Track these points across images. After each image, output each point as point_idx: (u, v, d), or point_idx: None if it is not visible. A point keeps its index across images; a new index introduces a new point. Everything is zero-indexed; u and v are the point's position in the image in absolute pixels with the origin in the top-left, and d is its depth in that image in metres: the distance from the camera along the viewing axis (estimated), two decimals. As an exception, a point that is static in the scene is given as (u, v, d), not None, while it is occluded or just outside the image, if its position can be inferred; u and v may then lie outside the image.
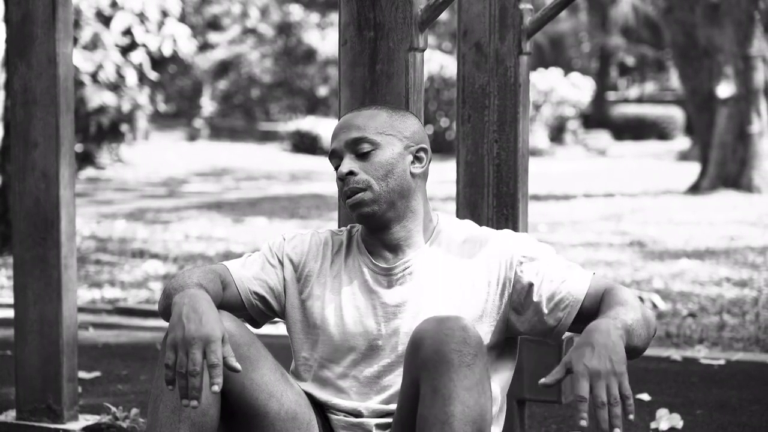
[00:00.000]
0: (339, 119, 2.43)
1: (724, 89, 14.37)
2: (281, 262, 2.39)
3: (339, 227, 2.66)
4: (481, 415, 2.06)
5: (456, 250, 2.35)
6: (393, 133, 2.32)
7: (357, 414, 2.31)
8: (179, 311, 2.08)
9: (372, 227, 2.34)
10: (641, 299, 6.37)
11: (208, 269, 2.32)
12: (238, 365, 2.06)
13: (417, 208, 2.35)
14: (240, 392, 2.22)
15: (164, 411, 2.16)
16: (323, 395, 2.35)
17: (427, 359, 2.07)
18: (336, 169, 2.34)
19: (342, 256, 2.39)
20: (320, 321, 2.35)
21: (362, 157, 2.30)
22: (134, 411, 3.62)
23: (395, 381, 2.31)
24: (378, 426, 2.30)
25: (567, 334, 3.15)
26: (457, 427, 2.04)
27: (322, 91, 26.71)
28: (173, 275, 2.30)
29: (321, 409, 2.36)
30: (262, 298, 2.37)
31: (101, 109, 14.91)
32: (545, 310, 2.29)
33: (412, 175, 2.33)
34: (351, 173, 2.30)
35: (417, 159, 2.35)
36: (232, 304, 2.36)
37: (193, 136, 25.24)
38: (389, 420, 2.30)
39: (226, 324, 2.20)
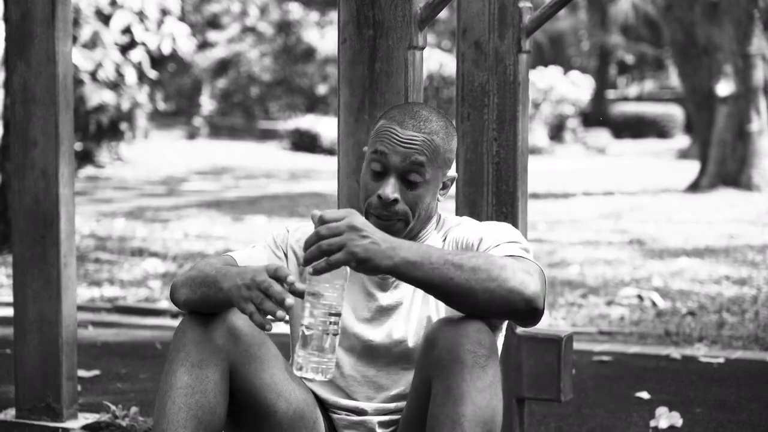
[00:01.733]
0: (397, 116, 2.27)
1: (724, 87, 14.37)
2: (286, 255, 2.38)
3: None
4: (492, 416, 2.06)
5: (446, 245, 2.34)
6: (440, 164, 2.29)
7: (360, 412, 2.31)
8: (232, 278, 2.09)
9: None
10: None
11: (219, 260, 2.31)
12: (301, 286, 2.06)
13: (428, 222, 2.36)
14: (249, 391, 2.21)
15: (171, 407, 2.15)
16: (324, 393, 2.35)
17: (441, 358, 2.08)
18: (376, 164, 2.27)
19: None
20: None
21: (409, 185, 2.27)
22: (134, 409, 3.62)
23: (394, 382, 2.31)
24: (381, 424, 2.30)
25: (566, 331, 3.16)
26: (468, 427, 2.04)
27: (322, 89, 26.70)
28: (184, 272, 2.29)
29: (324, 406, 2.36)
30: None
31: (101, 108, 14.90)
32: None
33: (437, 199, 2.33)
34: (395, 201, 2.26)
35: (444, 186, 2.35)
36: None
37: (192, 135, 25.23)
38: (392, 417, 2.30)
39: (237, 322, 2.21)
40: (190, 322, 2.20)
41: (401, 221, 2.27)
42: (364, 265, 2.02)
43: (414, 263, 2.04)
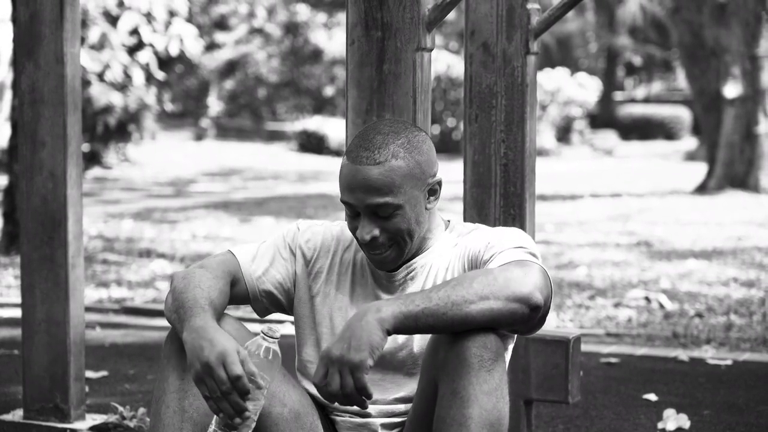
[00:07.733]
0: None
1: (731, 89, 14.35)
2: (293, 254, 2.38)
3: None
4: (498, 419, 2.07)
5: (454, 253, 2.33)
6: (413, 184, 2.23)
7: (364, 414, 2.31)
8: (191, 347, 2.07)
9: None
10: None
11: (219, 270, 2.30)
12: (261, 382, 2.05)
13: (427, 230, 2.33)
14: (242, 394, 2.21)
15: (166, 412, 2.16)
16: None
17: (448, 361, 2.08)
18: (349, 214, 2.26)
19: (352, 252, 2.39)
20: (325, 319, 2.35)
21: (383, 218, 2.23)
22: (141, 410, 3.62)
23: (398, 386, 2.31)
24: (384, 426, 2.30)
25: (574, 332, 3.16)
26: (474, 429, 2.04)
27: (329, 91, 26.72)
28: (182, 273, 2.28)
29: (325, 410, 2.37)
30: (269, 295, 2.37)
31: (108, 109, 14.93)
32: None
33: (427, 208, 2.29)
34: (374, 238, 2.24)
35: (431, 193, 2.29)
36: (240, 297, 2.36)
37: (200, 136, 25.26)
38: (395, 420, 2.30)
39: (227, 327, 2.20)
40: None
41: (392, 248, 2.26)
42: (378, 350, 2.04)
43: (405, 316, 2.05)
